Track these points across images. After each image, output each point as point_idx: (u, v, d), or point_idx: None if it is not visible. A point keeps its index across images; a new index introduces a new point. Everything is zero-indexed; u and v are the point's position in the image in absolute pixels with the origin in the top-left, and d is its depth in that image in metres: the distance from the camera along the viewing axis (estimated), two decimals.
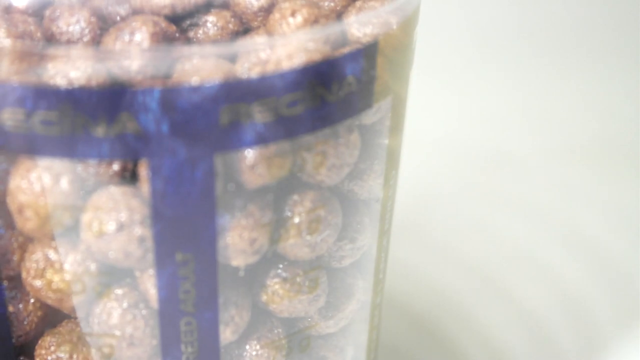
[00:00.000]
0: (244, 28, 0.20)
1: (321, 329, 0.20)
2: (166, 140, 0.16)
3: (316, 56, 0.17)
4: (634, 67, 0.48)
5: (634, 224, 0.35)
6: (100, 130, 0.16)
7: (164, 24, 0.20)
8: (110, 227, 0.17)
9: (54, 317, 0.19)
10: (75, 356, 0.19)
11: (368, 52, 0.18)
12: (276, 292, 0.19)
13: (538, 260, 0.33)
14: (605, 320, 0.30)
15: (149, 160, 0.16)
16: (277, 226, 0.18)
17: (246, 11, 0.20)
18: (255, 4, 0.20)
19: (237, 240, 0.18)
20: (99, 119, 0.16)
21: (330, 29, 0.18)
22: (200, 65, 0.17)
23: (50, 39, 0.19)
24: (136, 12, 0.20)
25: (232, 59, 0.17)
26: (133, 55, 0.17)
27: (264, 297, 0.19)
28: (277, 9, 0.19)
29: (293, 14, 0.19)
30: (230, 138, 0.16)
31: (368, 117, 0.19)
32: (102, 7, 0.20)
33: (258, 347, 0.19)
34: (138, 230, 0.17)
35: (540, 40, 0.51)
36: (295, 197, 0.18)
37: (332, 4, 0.20)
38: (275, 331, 0.19)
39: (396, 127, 0.20)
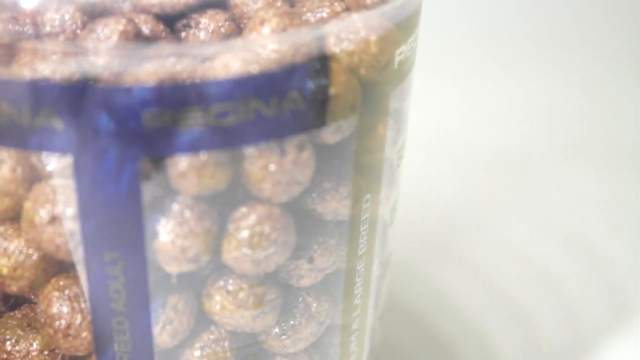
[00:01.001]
0: (240, 31, 0.20)
1: (276, 347, 0.20)
2: (92, 139, 0.16)
3: (252, 68, 0.16)
4: (639, 67, 0.48)
5: (635, 225, 0.35)
6: (25, 122, 0.16)
7: (151, 23, 0.20)
8: (42, 218, 0.17)
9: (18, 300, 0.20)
10: (21, 342, 0.19)
11: (318, 69, 0.17)
12: (219, 303, 0.18)
13: (539, 262, 0.33)
14: (605, 322, 0.30)
15: (75, 157, 0.16)
16: (219, 237, 0.18)
17: (243, 14, 0.20)
18: (252, 7, 0.20)
19: (169, 246, 0.17)
20: (24, 112, 0.16)
21: (286, 39, 0.17)
22: (148, 68, 0.17)
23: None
24: (136, 9, 0.20)
25: (181, 62, 0.17)
26: (96, 52, 0.17)
27: (207, 306, 0.19)
28: (253, 16, 0.19)
29: (262, 23, 0.18)
30: (156, 143, 0.16)
31: (328, 136, 0.18)
32: (103, 3, 0.20)
33: (199, 355, 0.19)
34: (69, 224, 0.17)
35: (545, 40, 0.51)
36: (243, 209, 0.18)
37: (323, 15, 0.19)
38: (222, 343, 0.19)
39: (373, 148, 0.19)
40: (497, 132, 0.42)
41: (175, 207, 0.17)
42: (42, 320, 0.18)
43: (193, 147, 0.17)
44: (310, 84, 0.17)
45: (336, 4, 0.19)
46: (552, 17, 0.53)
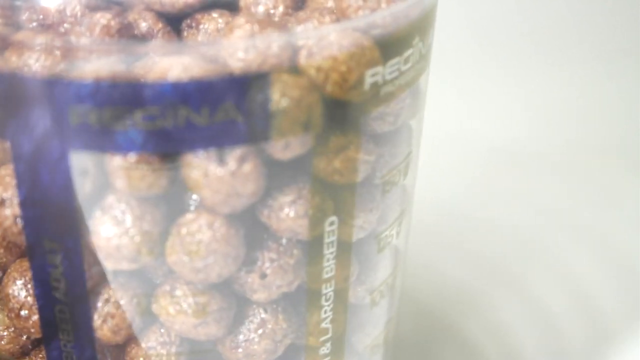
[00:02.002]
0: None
1: (232, 359, 0.19)
2: (27, 129, 0.17)
3: (186, 75, 0.16)
4: None
5: None
6: None
7: (150, 20, 0.20)
8: None
9: None
10: None
11: (260, 83, 0.16)
12: (163, 307, 0.18)
13: (551, 257, 0.33)
14: (619, 316, 0.30)
15: (12, 145, 0.17)
16: (161, 240, 0.18)
17: None
18: (261, 9, 0.20)
19: (104, 243, 0.18)
20: None
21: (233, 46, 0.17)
22: (95, 64, 0.17)
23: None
24: (146, 6, 0.20)
25: (122, 62, 0.17)
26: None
27: (154, 308, 0.19)
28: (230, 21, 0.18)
29: (231, 30, 0.18)
30: (82, 138, 0.16)
31: (277, 152, 0.17)
32: None
33: (144, 355, 0.19)
34: (16, 210, 0.18)
35: (551, 38, 0.52)
36: (189, 216, 0.18)
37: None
38: (168, 346, 0.19)
39: (343, 170, 0.18)
40: (508, 130, 0.43)
41: (114, 205, 0.17)
42: (2, 299, 0.19)
43: (121, 147, 0.16)
44: (248, 98, 0.16)
45: (327, 17, 0.19)
46: (554, 16, 0.54)
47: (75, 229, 0.17)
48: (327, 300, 0.20)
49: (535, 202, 0.37)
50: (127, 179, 0.17)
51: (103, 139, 0.16)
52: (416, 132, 0.21)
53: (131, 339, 0.19)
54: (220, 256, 0.18)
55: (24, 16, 0.20)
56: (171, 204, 0.18)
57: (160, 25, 0.20)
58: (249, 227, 0.18)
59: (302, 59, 0.17)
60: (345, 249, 0.19)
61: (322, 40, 0.17)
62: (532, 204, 0.37)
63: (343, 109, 0.18)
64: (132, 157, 0.17)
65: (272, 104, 0.17)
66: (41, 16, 0.20)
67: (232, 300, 0.19)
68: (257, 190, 0.17)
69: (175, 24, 0.20)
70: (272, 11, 0.20)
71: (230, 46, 0.17)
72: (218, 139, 0.17)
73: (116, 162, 0.17)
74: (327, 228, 0.19)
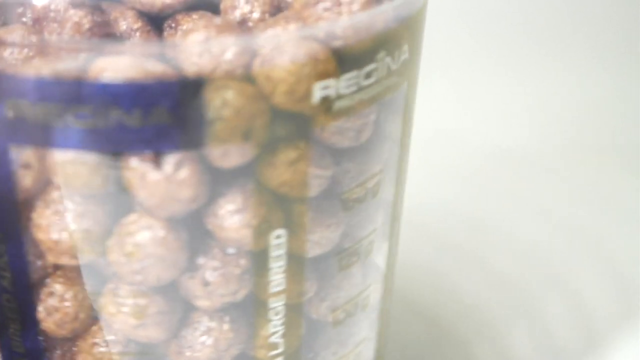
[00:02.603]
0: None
1: None
2: None
3: (119, 76, 0.16)
4: None
5: None
6: None
7: (130, 19, 0.20)
8: None
9: None
10: None
11: (193, 89, 0.16)
12: (104, 304, 0.19)
13: (549, 260, 0.33)
14: (615, 320, 0.30)
15: None
16: (103, 238, 0.18)
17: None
18: (240, 12, 0.20)
19: (44, 236, 0.18)
20: None
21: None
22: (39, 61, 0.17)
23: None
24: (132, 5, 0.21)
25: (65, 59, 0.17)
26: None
27: (97, 304, 0.19)
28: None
29: (187, 34, 0.18)
30: (21, 133, 0.17)
31: (216, 160, 0.17)
32: None
33: (87, 350, 0.19)
34: None
35: (550, 35, 0.52)
36: (133, 217, 0.18)
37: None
38: (114, 345, 0.19)
39: (292, 183, 0.18)
40: (504, 130, 0.43)
41: (57, 200, 0.18)
42: None
43: (58, 144, 0.17)
44: (182, 103, 0.16)
45: (292, 24, 0.18)
46: (553, 14, 0.53)
47: (19, 220, 0.18)
48: (276, 315, 0.19)
49: (533, 203, 0.37)
50: (64, 175, 0.17)
51: (41, 135, 0.17)
52: (399, 147, 0.21)
53: (78, 334, 0.19)
54: (157, 260, 0.18)
55: (18, 11, 0.21)
56: (118, 204, 0.18)
57: (139, 24, 0.20)
58: (195, 233, 0.18)
59: (256, 67, 0.17)
60: (297, 263, 0.19)
61: (276, 49, 0.17)
62: (530, 205, 0.37)
63: (293, 121, 0.17)
64: (68, 154, 0.17)
65: (209, 111, 0.16)
66: (29, 12, 0.20)
67: (177, 305, 0.19)
68: (195, 197, 0.17)
69: (158, 23, 0.20)
70: (248, 16, 0.20)
71: (184, 50, 0.17)
72: (151, 142, 0.17)
73: (54, 158, 0.17)
74: (274, 241, 0.18)
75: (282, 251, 0.18)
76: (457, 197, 0.37)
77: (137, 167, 0.17)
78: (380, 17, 0.18)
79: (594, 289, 0.31)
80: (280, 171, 0.18)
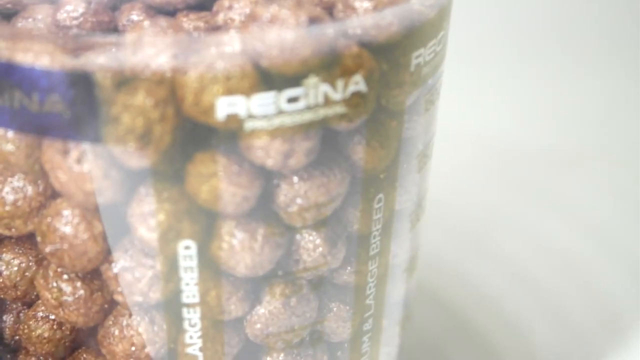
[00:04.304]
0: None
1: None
2: None
3: (25, 58, 0.17)
4: None
5: None
6: None
7: (136, 12, 0.21)
8: None
9: None
10: None
11: (86, 84, 0.17)
12: (37, 279, 0.20)
13: (566, 252, 0.34)
14: (633, 309, 0.31)
15: None
16: (33, 215, 0.19)
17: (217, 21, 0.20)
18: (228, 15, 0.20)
19: None
20: None
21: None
22: None
23: None
24: None
25: None
26: None
27: (35, 278, 0.20)
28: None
29: (131, 31, 0.18)
30: None
31: (120, 158, 0.17)
32: None
33: (30, 317, 0.20)
34: None
35: (561, 37, 0.53)
36: (58, 200, 0.19)
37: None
38: (52, 323, 0.20)
39: (197, 193, 0.18)
40: (527, 128, 0.44)
41: None
42: None
43: None
44: (72, 95, 0.17)
45: (230, 36, 0.18)
46: (558, 14, 0.55)
47: None
48: (192, 327, 0.19)
49: (550, 197, 0.38)
50: None
51: None
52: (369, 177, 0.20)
53: (26, 303, 0.20)
54: (69, 245, 0.18)
55: None
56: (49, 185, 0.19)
57: (141, 17, 0.20)
58: (117, 228, 0.18)
59: (173, 72, 0.17)
60: (214, 279, 0.19)
61: (208, 59, 0.17)
62: (547, 199, 0.38)
63: (206, 133, 0.17)
64: None
65: (103, 108, 0.17)
66: None
67: (98, 295, 0.19)
68: (98, 190, 0.18)
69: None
70: (228, 22, 0.20)
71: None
72: (50, 129, 0.17)
73: None
74: (182, 252, 0.18)
75: (192, 263, 0.18)
76: (475, 192, 0.38)
77: (48, 152, 0.18)
78: (307, 41, 0.17)
79: (611, 280, 0.32)
80: (196, 182, 0.18)
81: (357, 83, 0.18)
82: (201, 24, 0.20)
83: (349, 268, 0.20)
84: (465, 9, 0.51)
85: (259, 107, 0.17)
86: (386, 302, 0.22)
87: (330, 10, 0.19)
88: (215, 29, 0.20)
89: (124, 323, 0.19)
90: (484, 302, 0.31)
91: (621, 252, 0.34)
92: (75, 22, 0.20)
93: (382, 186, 0.20)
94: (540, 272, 0.33)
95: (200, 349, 0.19)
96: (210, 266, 0.18)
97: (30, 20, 0.21)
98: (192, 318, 0.19)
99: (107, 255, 0.19)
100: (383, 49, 0.18)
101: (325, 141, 0.19)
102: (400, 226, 0.21)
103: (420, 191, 0.22)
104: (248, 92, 0.17)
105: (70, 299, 0.19)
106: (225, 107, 0.17)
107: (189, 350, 0.19)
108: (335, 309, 0.21)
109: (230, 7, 0.20)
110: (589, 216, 0.36)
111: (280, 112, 0.17)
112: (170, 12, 0.21)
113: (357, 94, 0.18)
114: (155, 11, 0.21)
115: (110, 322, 0.19)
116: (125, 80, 0.17)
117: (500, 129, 0.43)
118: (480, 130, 0.43)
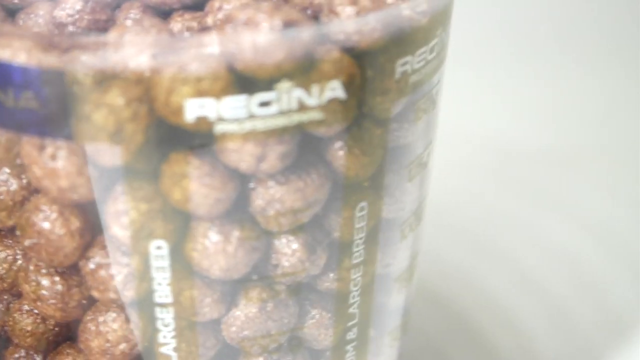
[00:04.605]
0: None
1: None
2: None
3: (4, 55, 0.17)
4: None
5: None
6: None
7: (134, 11, 0.21)
8: None
9: None
10: None
11: (51, 79, 0.17)
12: (20, 272, 0.20)
13: (568, 253, 0.34)
14: (637, 313, 0.31)
15: None
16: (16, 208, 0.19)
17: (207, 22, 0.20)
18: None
19: None
20: None
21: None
22: None
23: None
24: None
25: None
26: None
27: (19, 271, 0.20)
28: None
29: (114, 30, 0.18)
30: None
31: (93, 156, 0.18)
32: None
33: (17, 309, 0.20)
34: None
35: (563, 37, 0.53)
36: (40, 194, 0.19)
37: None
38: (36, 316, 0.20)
39: (170, 194, 0.18)
40: (526, 128, 0.44)
41: None
42: None
43: None
44: (46, 92, 0.17)
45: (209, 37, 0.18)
46: (559, 14, 0.54)
47: None
48: (165, 326, 0.19)
49: (552, 198, 0.38)
50: None
51: None
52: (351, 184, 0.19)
53: (14, 295, 0.21)
54: (46, 240, 0.18)
55: None
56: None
57: (140, 17, 0.21)
58: (96, 225, 0.18)
59: (150, 71, 0.17)
60: (187, 280, 0.19)
61: (183, 60, 0.17)
62: (549, 199, 0.38)
63: (179, 134, 0.17)
64: None
65: (73, 105, 0.17)
66: None
67: (76, 290, 0.19)
68: (71, 187, 0.18)
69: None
70: (217, 23, 0.20)
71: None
72: (24, 125, 0.17)
73: None
74: (154, 252, 0.18)
75: (164, 263, 0.18)
76: (475, 191, 0.38)
77: (26, 148, 0.18)
78: (294, 44, 0.17)
79: (612, 280, 0.32)
80: (169, 182, 0.18)
81: (335, 89, 0.18)
82: (194, 25, 0.20)
83: (331, 275, 0.20)
84: (465, 8, 0.51)
85: (229, 111, 0.17)
86: (373, 311, 0.21)
87: (317, 15, 0.19)
88: (205, 29, 0.20)
89: (100, 319, 0.19)
90: (483, 301, 0.31)
91: (621, 251, 0.34)
92: (70, 20, 0.20)
93: (366, 194, 0.20)
94: (540, 272, 0.33)
95: (174, 349, 0.19)
96: (183, 267, 0.18)
97: (32, 16, 0.21)
98: (166, 318, 0.19)
99: (84, 251, 0.19)
100: (367, 55, 0.18)
101: (305, 146, 0.18)
102: (390, 235, 0.21)
103: (414, 201, 0.21)
104: (218, 94, 0.17)
105: (47, 293, 0.19)
106: (194, 108, 0.17)
107: (163, 349, 0.19)
108: (317, 315, 0.20)
109: (220, 9, 0.20)
110: (589, 216, 0.37)
111: (252, 116, 0.17)
112: (167, 12, 0.21)
113: (335, 101, 0.18)
114: (153, 11, 0.21)
115: (88, 318, 0.20)
116: (101, 79, 0.17)
117: (499, 129, 0.44)
118: (479, 130, 0.43)
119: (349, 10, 0.18)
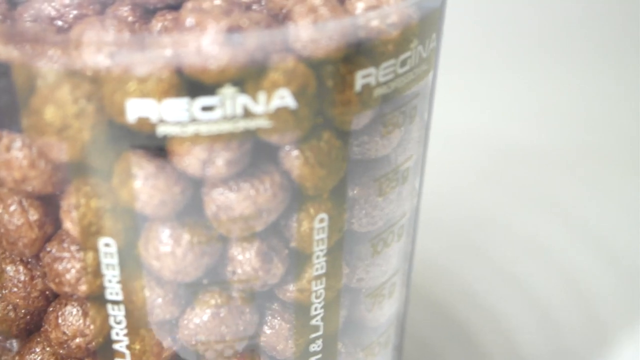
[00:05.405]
0: None
1: None
2: None
3: None
4: None
5: None
6: None
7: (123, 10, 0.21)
8: None
9: None
10: None
11: (4, 71, 0.17)
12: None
13: (557, 254, 0.34)
14: (622, 315, 0.31)
15: None
16: None
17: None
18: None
19: None
20: None
21: None
22: None
23: None
24: None
25: None
26: None
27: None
28: None
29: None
30: None
31: (47, 150, 0.18)
32: None
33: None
34: None
35: (562, 37, 0.53)
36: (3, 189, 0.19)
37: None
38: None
39: (125, 195, 0.18)
40: (517, 127, 0.44)
41: None
42: None
43: None
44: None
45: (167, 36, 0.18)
46: (560, 14, 0.55)
47: None
48: (117, 323, 0.19)
49: (543, 199, 0.38)
50: None
51: None
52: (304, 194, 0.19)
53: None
54: (5, 230, 0.19)
55: None
56: None
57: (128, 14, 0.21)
58: (53, 216, 0.19)
59: (106, 69, 0.17)
60: (135, 278, 0.19)
61: (134, 60, 0.17)
62: (540, 201, 0.38)
63: (126, 134, 0.17)
64: None
65: (23, 99, 0.17)
66: None
67: (39, 280, 0.20)
68: (23, 179, 0.18)
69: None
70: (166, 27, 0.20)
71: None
72: None
73: None
74: (103, 249, 0.18)
75: (113, 260, 0.18)
76: (471, 192, 0.38)
77: None
78: (240, 50, 0.17)
79: (607, 282, 0.33)
80: (118, 181, 0.18)
81: (283, 97, 0.17)
82: (171, 25, 0.20)
83: (291, 285, 0.20)
84: (463, 7, 0.51)
85: (170, 113, 0.17)
86: (342, 325, 0.21)
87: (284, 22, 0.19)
88: (182, 30, 0.20)
89: (60, 312, 0.20)
90: (477, 302, 0.31)
91: (617, 253, 0.34)
92: (56, 14, 0.21)
93: (326, 207, 0.19)
94: (536, 273, 0.33)
95: (127, 347, 0.20)
96: (134, 266, 0.19)
97: (30, 9, 0.21)
98: (117, 315, 0.19)
99: (46, 243, 0.19)
100: (324, 64, 0.18)
101: (260, 154, 0.18)
102: (360, 250, 0.20)
103: (388, 216, 0.21)
104: (159, 96, 0.17)
105: (11, 281, 0.20)
106: (135, 109, 0.17)
107: (117, 346, 0.20)
108: (276, 325, 0.20)
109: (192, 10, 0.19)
110: (586, 217, 0.37)
111: (195, 120, 0.17)
112: (152, 11, 0.21)
113: (284, 109, 0.17)
114: (141, 9, 0.21)
115: (50, 309, 0.20)
116: (53, 75, 0.17)
117: (497, 129, 0.44)
118: (477, 130, 0.43)
119: (306, 18, 0.18)
